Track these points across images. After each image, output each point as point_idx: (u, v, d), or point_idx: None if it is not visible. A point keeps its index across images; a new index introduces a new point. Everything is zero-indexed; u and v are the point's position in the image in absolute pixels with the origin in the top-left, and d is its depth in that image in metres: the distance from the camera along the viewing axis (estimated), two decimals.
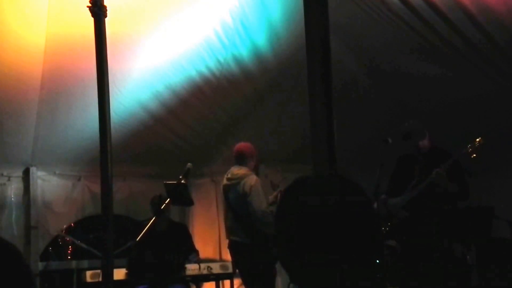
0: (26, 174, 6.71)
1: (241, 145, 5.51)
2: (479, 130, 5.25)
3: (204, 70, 5.98)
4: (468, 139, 5.04)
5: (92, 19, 3.23)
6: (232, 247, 5.43)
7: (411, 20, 5.10)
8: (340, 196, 1.31)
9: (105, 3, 3.23)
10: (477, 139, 4.91)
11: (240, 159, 5.44)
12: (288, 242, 1.31)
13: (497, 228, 6.39)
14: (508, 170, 7.11)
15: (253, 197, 5.15)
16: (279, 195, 5.24)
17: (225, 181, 5.48)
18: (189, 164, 4.79)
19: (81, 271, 6.10)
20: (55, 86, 5.78)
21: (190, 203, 5.37)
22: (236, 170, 5.40)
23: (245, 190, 5.22)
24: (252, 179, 5.24)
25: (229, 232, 5.48)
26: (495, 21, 4.93)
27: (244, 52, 5.87)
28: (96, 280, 5.54)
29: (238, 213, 5.29)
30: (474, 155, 4.88)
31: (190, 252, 6.11)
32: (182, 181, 4.72)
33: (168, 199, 4.77)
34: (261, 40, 5.78)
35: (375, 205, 4.57)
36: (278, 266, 5.85)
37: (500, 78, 5.70)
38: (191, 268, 5.78)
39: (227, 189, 5.42)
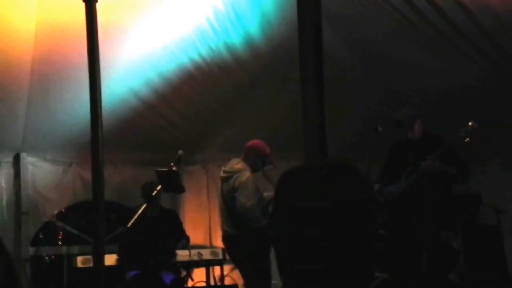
0: (17, 159, 6.69)
1: (252, 141, 5.52)
2: (469, 119, 5.27)
3: (196, 57, 5.97)
4: (459, 127, 5.06)
5: (83, 4, 3.21)
6: (224, 239, 5.48)
7: (403, 8, 5.11)
8: (338, 183, 1.32)
9: None
10: (470, 123, 4.91)
11: (244, 153, 5.47)
12: (282, 230, 1.32)
13: (484, 215, 6.47)
14: (495, 159, 7.18)
15: (240, 193, 5.20)
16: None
17: (221, 173, 5.52)
18: (180, 151, 4.80)
19: (71, 257, 6.12)
20: (45, 72, 5.75)
21: (181, 190, 5.39)
22: (234, 163, 5.43)
23: (235, 185, 5.27)
24: (244, 175, 5.26)
25: (223, 223, 5.53)
26: (485, 9, 4.95)
27: (236, 39, 5.86)
28: (87, 265, 5.56)
29: (228, 205, 5.34)
30: (468, 139, 4.89)
31: (180, 238, 6.13)
32: (174, 168, 4.74)
33: (160, 186, 4.79)
34: (253, 27, 5.77)
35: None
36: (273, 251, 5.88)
37: (490, 67, 5.74)
38: (182, 254, 5.81)
39: (222, 181, 5.48)
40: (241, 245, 5.28)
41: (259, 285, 5.24)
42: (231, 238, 5.35)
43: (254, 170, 5.44)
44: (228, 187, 5.35)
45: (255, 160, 5.41)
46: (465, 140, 4.89)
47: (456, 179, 5.07)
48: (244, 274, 5.50)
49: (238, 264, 5.61)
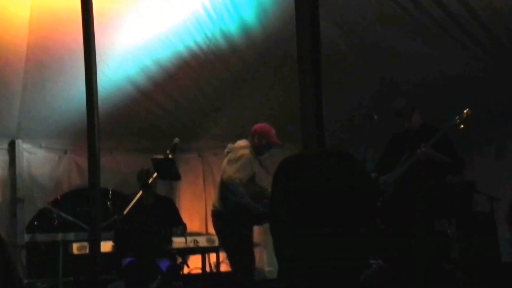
0: (12, 146, 6.68)
1: (258, 124, 5.53)
2: (463, 107, 5.29)
3: (191, 44, 5.95)
4: (453, 116, 5.07)
5: None
6: (212, 214, 5.49)
7: None
8: (335, 171, 1.33)
9: None
10: (465, 110, 4.92)
11: (250, 135, 5.49)
12: (280, 218, 1.34)
13: (477, 202, 6.51)
14: (489, 146, 7.22)
15: (232, 165, 5.23)
16: None
17: (227, 148, 5.54)
18: (176, 139, 4.81)
19: (67, 244, 6.14)
20: (41, 58, 5.73)
21: (178, 177, 5.39)
22: (239, 142, 5.46)
23: (231, 158, 5.30)
24: (242, 151, 5.29)
25: (214, 198, 5.55)
26: None
27: (232, 26, 5.84)
28: (83, 252, 5.58)
29: (222, 179, 5.35)
30: (462, 126, 4.90)
31: (177, 225, 6.15)
32: (170, 156, 4.74)
33: (155, 174, 4.79)
34: (249, 14, 5.75)
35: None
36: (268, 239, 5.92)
37: (483, 55, 5.75)
38: (178, 241, 5.83)
39: (225, 157, 5.49)
40: (224, 221, 5.31)
41: (241, 264, 5.24)
42: (217, 213, 5.37)
43: (258, 152, 5.46)
44: (225, 161, 5.38)
45: (259, 144, 5.43)
46: (460, 127, 4.90)
47: (450, 170, 5.09)
48: (226, 251, 5.52)
49: (221, 241, 5.61)
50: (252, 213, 5.20)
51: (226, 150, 5.52)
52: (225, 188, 5.23)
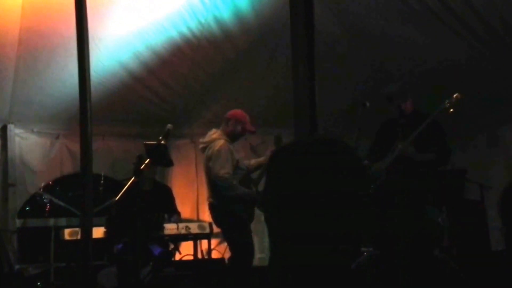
0: (4, 131, 6.65)
1: (231, 110, 5.53)
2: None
3: (185, 30, 5.93)
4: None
5: None
6: (209, 207, 5.52)
7: None
8: (331, 157, 1.33)
9: None
10: (455, 95, 4.91)
11: (224, 122, 5.48)
12: (276, 205, 1.34)
13: (468, 191, 6.55)
14: (481, 134, 7.25)
15: (214, 162, 5.24)
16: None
17: (200, 144, 5.55)
18: (169, 125, 4.80)
19: (59, 229, 6.13)
20: (33, 43, 5.69)
21: (170, 163, 5.40)
22: (211, 134, 5.47)
23: (209, 154, 5.31)
24: (218, 144, 5.29)
25: (207, 192, 5.57)
26: None
27: (225, 12, 5.81)
28: (75, 238, 5.58)
29: (208, 175, 5.37)
30: (452, 110, 4.89)
31: (172, 213, 6.16)
32: (162, 142, 4.73)
33: (148, 160, 4.79)
34: (243, 0, 5.72)
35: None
36: (258, 226, 5.95)
37: (477, 44, 5.76)
38: (170, 228, 5.84)
39: (202, 152, 5.51)
40: (221, 214, 5.34)
41: (240, 255, 5.29)
42: (213, 207, 5.40)
43: (233, 138, 5.45)
44: (205, 157, 5.38)
45: (235, 128, 5.42)
46: (450, 111, 4.89)
47: (434, 165, 5.07)
48: (227, 243, 5.57)
49: (223, 233, 5.67)
50: (248, 199, 5.24)
51: (200, 146, 5.52)
52: (217, 186, 5.24)
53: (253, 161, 5.77)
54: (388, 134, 5.20)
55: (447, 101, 4.90)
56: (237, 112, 5.53)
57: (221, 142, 5.30)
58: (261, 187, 5.45)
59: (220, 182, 5.19)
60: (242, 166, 5.49)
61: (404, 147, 4.89)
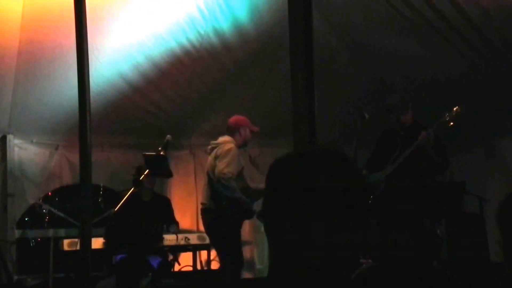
0: (3, 141, 6.64)
1: (233, 117, 5.55)
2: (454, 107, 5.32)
3: (184, 42, 5.95)
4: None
5: None
6: (201, 211, 5.49)
7: None
8: (330, 168, 1.34)
9: None
10: (455, 108, 4.93)
11: (228, 130, 5.49)
12: (274, 218, 1.35)
13: (467, 203, 6.54)
14: (479, 147, 7.25)
15: (221, 160, 5.22)
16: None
17: (210, 145, 5.54)
18: (168, 136, 4.81)
19: (58, 240, 6.12)
20: (33, 53, 5.71)
21: (169, 174, 5.39)
22: (221, 137, 5.47)
23: (218, 154, 5.29)
24: (228, 146, 5.29)
25: (202, 196, 5.54)
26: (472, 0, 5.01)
27: (224, 24, 5.85)
28: (74, 248, 5.56)
29: (210, 175, 5.35)
30: (452, 123, 4.91)
31: (170, 224, 6.14)
32: (161, 153, 4.74)
33: (147, 170, 4.79)
34: (242, 12, 5.76)
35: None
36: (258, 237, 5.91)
37: (475, 57, 5.79)
38: (169, 239, 5.83)
39: (209, 153, 5.49)
40: (214, 217, 5.31)
41: (230, 260, 5.25)
42: (209, 211, 5.37)
43: (243, 144, 5.47)
44: (212, 157, 5.38)
45: (246, 134, 5.45)
46: (450, 124, 4.92)
47: (436, 170, 5.10)
48: (217, 250, 5.53)
49: (213, 240, 5.60)
50: (244, 207, 5.22)
51: (209, 147, 5.51)
52: (217, 184, 5.23)
53: (261, 186, 5.71)
54: (388, 144, 5.21)
55: (447, 114, 4.92)
56: (239, 118, 5.54)
57: (231, 145, 5.33)
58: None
59: (222, 179, 5.17)
60: (245, 176, 5.48)
61: (429, 134, 4.88)
